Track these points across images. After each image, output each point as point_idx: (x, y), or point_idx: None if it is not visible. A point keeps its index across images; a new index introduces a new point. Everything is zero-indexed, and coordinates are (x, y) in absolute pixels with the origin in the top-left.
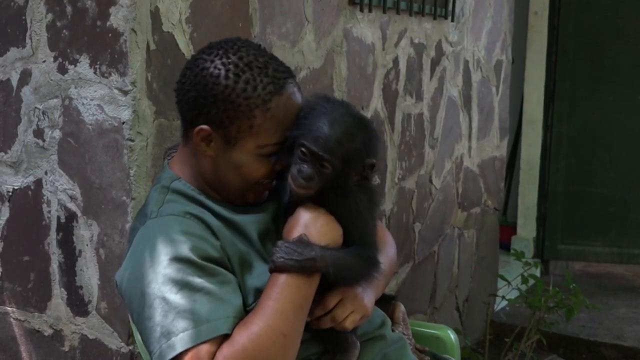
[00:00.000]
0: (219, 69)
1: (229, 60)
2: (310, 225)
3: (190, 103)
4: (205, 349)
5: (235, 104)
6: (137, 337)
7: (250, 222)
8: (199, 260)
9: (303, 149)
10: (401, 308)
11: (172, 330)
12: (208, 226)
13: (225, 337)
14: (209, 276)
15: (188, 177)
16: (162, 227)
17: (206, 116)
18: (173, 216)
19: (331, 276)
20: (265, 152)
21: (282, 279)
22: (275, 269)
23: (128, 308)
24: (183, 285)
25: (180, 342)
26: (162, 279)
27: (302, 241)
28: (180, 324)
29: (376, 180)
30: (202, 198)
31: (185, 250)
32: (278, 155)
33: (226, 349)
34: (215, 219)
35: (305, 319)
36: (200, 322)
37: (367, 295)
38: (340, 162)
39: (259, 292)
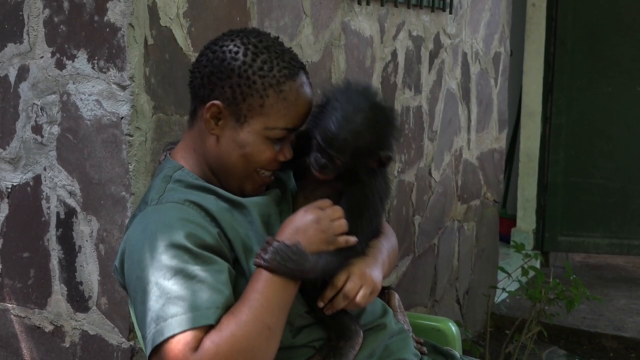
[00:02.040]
0: (239, 47)
1: (249, 41)
2: (302, 231)
3: (205, 78)
4: (192, 335)
5: (251, 81)
6: (139, 331)
7: (254, 203)
8: (195, 248)
9: (316, 142)
10: (396, 296)
11: (162, 315)
12: (208, 213)
13: (211, 327)
14: (204, 264)
15: (191, 164)
16: (160, 214)
17: (220, 91)
18: (172, 203)
19: (320, 279)
20: (272, 135)
21: (271, 276)
22: (267, 269)
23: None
24: (177, 272)
25: (168, 327)
26: (157, 264)
27: (298, 249)
28: (171, 309)
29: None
30: (205, 184)
31: (181, 237)
32: (282, 145)
33: (214, 335)
34: (219, 200)
35: (286, 318)
36: (191, 309)
37: (374, 271)
38: (350, 157)
39: None
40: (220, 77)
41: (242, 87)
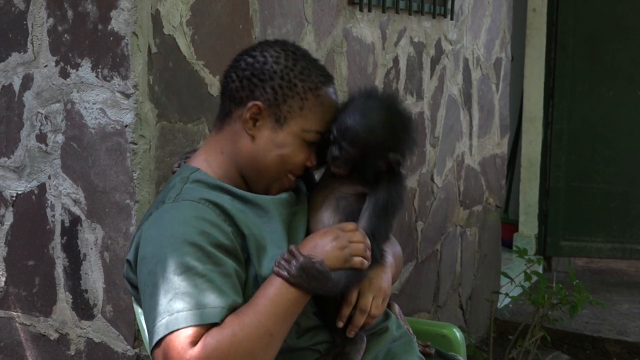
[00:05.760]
0: (279, 52)
1: (287, 48)
2: (321, 247)
3: (245, 81)
4: (195, 330)
5: (292, 83)
6: (145, 337)
7: (273, 203)
8: (208, 247)
9: (332, 135)
10: (396, 306)
11: (169, 310)
12: (223, 211)
13: (215, 326)
14: (214, 264)
15: (214, 166)
16: (175, 211)
17: (261, 92)
18: (188, 201)
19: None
20: (308, 137)
21: (285, 286)
22: (290, 283)
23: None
24: (188, 269)
25: (173, 321)
26: (169, 260)
27: (323, 268)
28: (178, 305)
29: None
30: (222, 184)
31: (195, 234)
32: (311, 151)
33: (215, 332)
34: (234, 200)
35: (290, 328)
36: (197, 307)
37: (382, 278)
38: (360, 151)
39: None
40: (261, 79)
41: (284, 89)
